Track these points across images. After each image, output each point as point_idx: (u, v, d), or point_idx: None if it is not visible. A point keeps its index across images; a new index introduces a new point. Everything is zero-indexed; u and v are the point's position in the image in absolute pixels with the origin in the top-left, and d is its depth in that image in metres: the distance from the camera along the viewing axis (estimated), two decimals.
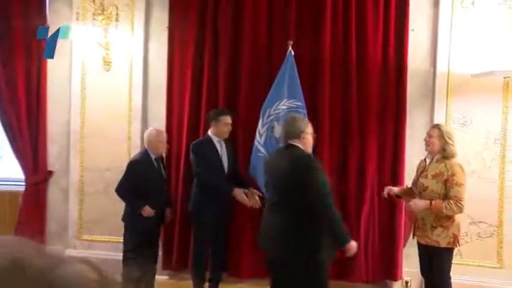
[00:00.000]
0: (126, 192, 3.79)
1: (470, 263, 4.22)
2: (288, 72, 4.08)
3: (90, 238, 4.72)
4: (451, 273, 3.42)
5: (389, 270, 4.32)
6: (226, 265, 4.39)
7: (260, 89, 4.36)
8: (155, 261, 4.01)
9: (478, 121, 4.19)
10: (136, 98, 4.63)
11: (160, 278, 4.19)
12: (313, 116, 4.19)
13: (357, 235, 4.31)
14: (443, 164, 3.33)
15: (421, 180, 3.37)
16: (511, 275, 4.13)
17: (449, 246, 3.33)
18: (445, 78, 4.22)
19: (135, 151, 4.54)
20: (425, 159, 3.53)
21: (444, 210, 3.25)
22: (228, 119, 4.03)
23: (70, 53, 4.61)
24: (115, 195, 4.60)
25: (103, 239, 4.70)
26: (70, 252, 4.68)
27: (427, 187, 3.33)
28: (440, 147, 3.36)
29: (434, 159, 3.40)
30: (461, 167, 3.35)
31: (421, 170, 3.46)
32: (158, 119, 4.60)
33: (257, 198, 3.94)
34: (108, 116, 4.65)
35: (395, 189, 3.67)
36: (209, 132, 4.08)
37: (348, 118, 4.36)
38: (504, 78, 4.01)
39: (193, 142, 4.08)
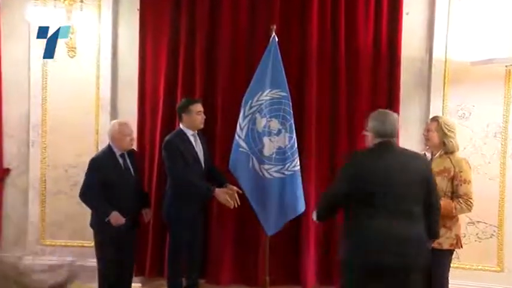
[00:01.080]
0: (89, 197, 3.39)
1: (468, 266, 3.98)
2: (272, 59, 3.76)
3: (53, 243, 4.32)
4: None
5: None
6: (205, 271, 4.08)
7: (241, 78, 4.07)
8: (130, 274, 3.65)
9: (477, 113, 3.94)
10: (105, 88, 4.25)
11: (133, 285, 3.80)
12: (299, 108, 3.96)
13: None
14: (448, 160, 3.14)
15: None
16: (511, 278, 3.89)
17: (451, 248, 3.14)
18: (442, 67, 3.96)
19: (104, 146, 4.18)
20: (425, 154, 3.26)
21: (454, 211, 3.08)
22: (199, 107, 3.68)
23: (28, 36, 4.20)
24: None
25: (68, 244, 4.31)
26: (30, 259, 4.26)
27: None
28: (440, 141, 3.18)
29: (437, 154, 3.21)
30: (467, 162, 3.18)
31: None
32: (129, 111, 4.23)
33: (236, 196, 3.62)
34: (73, 107, 4.26)
35: None
36: (181, 126, 3.72)
37: (336, 110, 4.10)
38: (506, 66, 3.75)
39: (166, 138, 3.69)
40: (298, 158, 3.76)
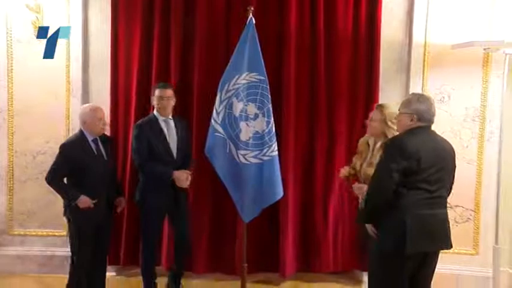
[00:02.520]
0: (57, 180, 3.26)
1: (444, 250, 3.94)
2: (249, 42, 3.64)
3: (22, 232, 4.16)
4: None
5: (358, 260, 4.02)
6: None
7: (217, 61, 3.96)
8: (104, 261, 3.52)
9: (456, 97, 3.92)
10: (75, 71, 4.08)
11: (107, 274, 3.69)
12: (277, 92, 3.87)
13: (324, 223, 4.01)
14: None
15: (366, 169, 3.11)
16: (486, 261, 3.92)
17: None
18: (421, 50, 3.91)
19: (75, 132, 4.02)
20: (367, 141, 3.23)
21: None
22: (162, 92, 3.57)
23: None
24: None
25: (39, 233, 4.16)
26: None
27: (369, 176, 2.98)
28: (381, 132, 3.09)
29: (378, 145, 3.10)
30: None
31: (364, 155, 3.19)
32: (101, 95, 4.08)
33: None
34: (41, 91, 4.07)
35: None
36: (154, 111, 3.62)
37: (315, 94, 4.03)
38: (484, 50, 3.69)
39: (136, 123, 3.58)
40: (276, 143, 3.68)
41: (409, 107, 2.67)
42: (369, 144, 3.22)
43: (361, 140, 3.32)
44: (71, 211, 3.27)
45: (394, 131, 3.00)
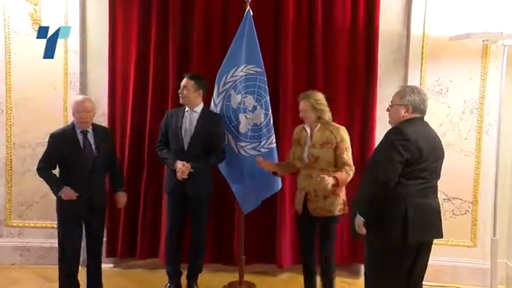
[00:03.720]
0: (44, 170, 3.25)
1: (442, 242, 3.93)
2: (246, 34, 3.65)
3: (21, 224, 4.17)
4: None
5: (358, 253, 4.02)
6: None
7: (215, 53, 3.96)
8: (97, 256, 3.45)
9: (455, 89, 3.90)
10: (73, 63, 4.08)
11: (105, 266, 3.69)
12: (274, 85, 3.88)
13: None
14: (328, 131, 3.23)
15: (310, 150, 3.24)
16: (484, 253, 3.93)
17: (340, 213, 3.27)
18: (419, 42, 3.89)
19: None
20: (304, 128, 3.34)
21: (347, 180, 3.17)
22: (182, 81, 3.56)
23: None
24: None
25: (37, 225, 4.17)
26: None
27: (318, 157, 3.21)
28: (315, 118, 3.25)
29: (317, 128, 3.26)
30: (345, 130, 3.26)
31: (304, 141, 3.29)
32: (99, 87, 4.09)
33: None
34: (39, 83, 4.07)
35: (270, 165, 3.48)
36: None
37: (313, 87, 3.89)
38: (483, 41, 3.68)
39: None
40: (274, 135, 3.69)
41: (404, 98, 2.69)
42: (306, 130, 3.30)
43: (296, 130, 3.41)
44: (57, 202, 3.27)
45: (326, 111, 3.22)
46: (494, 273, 3.76)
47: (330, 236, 3.29)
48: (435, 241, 3.81)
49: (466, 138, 3.90)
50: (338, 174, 3.10)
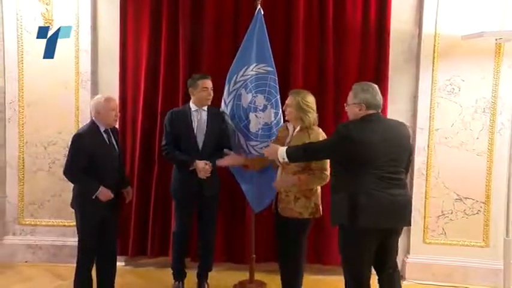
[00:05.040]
0: (76, 173, 3.21)
1: (454, 242, 3.97)
2: (257, 34, 3.64)
3: (33, 222, 4.20)
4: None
5: None
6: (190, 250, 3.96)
7: (225, 52, 3.95)
8: (112, 254, 3.44)
9: (467, 88, 3.87)
10: (84, 62, 4.10)
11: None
12: (285, 84, 3.84)
13: None
14: (306, 135, 3.16)
15: None
16: (496, 254, 3.89)
17: (311, 216, 3.21)
18: (431, 41, 3.86)
19: (85, 122, 3.94)
20: (287, 127, 3.34)
21: (311, 185, 3.15)
22: (206, 83, 3.53)
23: (1, 9, 4.02)
24: (61, 172, 4.07)
25: (49, 223, 4.20)
26: (8, 239, 4.16)
27: None
28: (297, 116, 3.19)
29: (296, 129, 3.23)
30: (324, 136, 3.19)
31: (283, 140, 3.27)
32: (110, 86, 4.09)
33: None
34: (51, 82, 4.10)
35: (241, 160, 3.47)
36: (191, 101, 3.62)
37: (323, 86, 3.98)
38: (496, 40, 3.64)
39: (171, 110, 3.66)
40: None
41: (356, 97, 2.81)
42: (288, 130, 3.30)
43: (282, 127, 3.43)
44: (78, 201, 3.26)
45: (309, 114, 3.16)
46: (507, 273, 3.72)
47: (296, 238, 3.21)
48: (448, 241, 3.92)
49: (478, 138, 3.87)
50: (303, 176, 3.09)
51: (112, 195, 3.20)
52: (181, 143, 3.54)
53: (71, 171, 3.19)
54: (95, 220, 3.22)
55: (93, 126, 3.24)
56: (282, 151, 2.93)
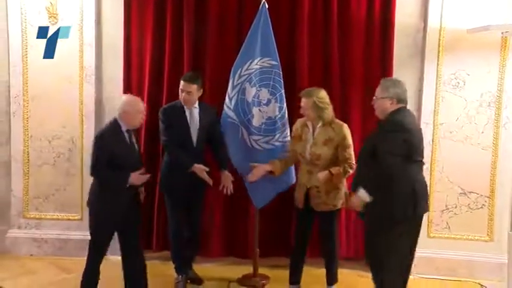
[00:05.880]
0: (102, 171, 3.16)
1: (458, 236, 3.97)
2: (261, 27, 3.64)
3: (38, 216, 4.22)
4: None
5: None
6: None
7: (230, 46, 3.95)
8: (137, 253, 3.37)
9: (472, 82, 3.85)
10: (89, 57, 4.10)
11: (114, 258, 3.69)
12: (290, 78, 3.84)
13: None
14: (330, 129, 3.29)
15: (312, 149, 3.31)
16: (500, 248, 3.89)
17: (342, 206, 3.39)
18: (436, 35, 3.85)
19: (89, 117, 4.12)
20: (306, 124, 3.38)
21: (343, 178, 3.32)
22: (181, 84, 3.49)
23: (6, 4, 4.02)
24: (66, 166, 4.14)
25: (54, 217, 4.22)
26: (14, 232, 4.19)
27: (319, 155, 3.29)
28: (316, 116, 3.29)
29: (319, 125, 3.31)
30: (347, 127, 3.33)
31: (305, 137, 3.35)
32: (114, 82, 4.11)
33: (231, 184, 3.59)
34: (55, 76, 4.10)
35: (266, 167, 3.49)
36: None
37: (328, 80, 3.97)
38: (502, 34, 3.63)
39: (162, 107, 3.63)
40: (288, 129, 3.68)
41: (388, 91, 2.92)
42: (308, 127, 3.35)
43: (298, 125, 3.46)
44: (97, 200, 3.20)
45: (326, 110, 3.26)
46: (511, 268, 3.72)
47: (334, 229, 3.39)
48: (452, 235, 3.96)
49: (482, 132, 3.86)
50: (334, 170, 3.22)
51: (147, 177, 3.21)
52: (176, 140, 3.51)
53: (96, 171, 3.17)
54: (114, 218, 3.18)
55: (115, 126, 3.19)
56: (362, 194, 2.88)
